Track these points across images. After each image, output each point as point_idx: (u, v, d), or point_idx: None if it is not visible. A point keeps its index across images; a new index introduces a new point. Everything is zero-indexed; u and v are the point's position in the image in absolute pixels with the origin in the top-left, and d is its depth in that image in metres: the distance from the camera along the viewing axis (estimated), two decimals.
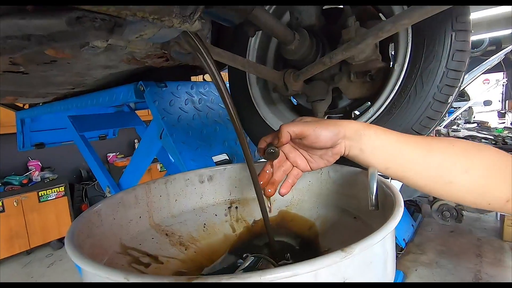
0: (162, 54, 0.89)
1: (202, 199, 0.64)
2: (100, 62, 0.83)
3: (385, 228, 0.29)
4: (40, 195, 3.06)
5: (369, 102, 0.70)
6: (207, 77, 1.13)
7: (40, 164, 3.36)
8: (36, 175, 3.20)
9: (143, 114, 2.00)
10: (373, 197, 0.44)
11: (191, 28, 0.37)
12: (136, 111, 1.91)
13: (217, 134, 0.91)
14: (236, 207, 0.65)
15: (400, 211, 0.34)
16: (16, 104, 1.93)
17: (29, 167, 3.29)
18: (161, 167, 3.96)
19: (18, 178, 3.07)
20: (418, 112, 0.52)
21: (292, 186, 0.54)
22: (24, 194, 2.96)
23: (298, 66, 0.62)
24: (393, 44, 0.61)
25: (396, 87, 0.55)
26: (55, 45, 0.36)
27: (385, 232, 0.29)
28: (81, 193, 3.46)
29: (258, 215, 0.64)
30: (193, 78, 1.14)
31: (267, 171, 0.52)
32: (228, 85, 0.87)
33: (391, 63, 0.59)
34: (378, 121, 0.57)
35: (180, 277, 0.22)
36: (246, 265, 0.42)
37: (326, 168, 0.61)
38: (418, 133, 0.54)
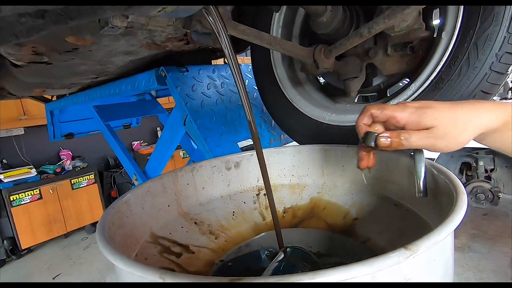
0: (183, 37, 0.86)
1: (230, 187, 0.62)
2: (120, 48, 0.81)
3: (452, 221, 0.25)
4: (72, 182, 3.21)
5: (407, 79, 0.63)
6: (241, 61, 1.09)
7: (71, 153, 3.52)
8: (68, 164, 3.36)
9: (164, 102, 2.01)
10: (421, 182, 0.40)
11: None
12: (157, 99, 1.92)
13: (241, 119, 0.88)
14: (265, 194, 0.63)
15: (464, 200, 0.29)
16: (45, 96, 2.00)
17: (61, 157, 3.46)
18: (183, 154, 4.03)
19: (52, 167, 3.23)
20: (471, 86, 0.46)
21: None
22: (58, 182, 3.12)
23: (328, 42, 0.57)
24: (437, 10, 0.54)
25: (444, 59, 0.48)
26: (73, 25, 0.34)
27: (452, 226, 0.25)
28: (110, 180, 3.61)
29: (288, 202, 0.61)
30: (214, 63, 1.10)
31: (364, 153, 0.44)
32: (251, 66, 0.83)
33: (435, 32, 0.53)
34: (422, 98, 0.52)
35: (223, 278, 0.20)
36: (281, 257, 0.39)
37: None
38: None
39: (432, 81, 0.50)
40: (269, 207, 0.61)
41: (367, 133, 0.39)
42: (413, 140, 0.36)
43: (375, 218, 0.50)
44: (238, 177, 0.63)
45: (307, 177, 0.63)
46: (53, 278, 2.64)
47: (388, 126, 0.39)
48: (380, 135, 0.37)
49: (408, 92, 0.54)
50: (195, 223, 0.53)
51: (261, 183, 0.64)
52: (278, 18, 0.70)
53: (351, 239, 0.48)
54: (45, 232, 3.09)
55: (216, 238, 0.51)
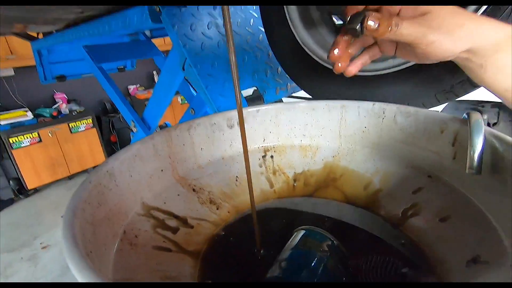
0: None
1: (232, 147, 0.54)
2: None
3: None
4: (71, 126, 3.15)
5: None
6: None
7: (65, 96, 3.38)
8: (64, 108, 3.25)
9: (159, 44, 1.83)
10: (477, 156, 0.32)
11: None
12: (152, 40, 1.76)
13: (245, 65, 0.76)
14: (272, 156, 0.55)
15: None
16: (29, 33, 1.83)
17: (56, 100, 3.33)
18: (182, 100, 3.88)
19: (48, 111, 3.14)
20: None
21: (363, 66, 0.41)
22: (56, 126, 3.06)
23: None
24: None
25: None
26: None
27: None
28: (109, 125, 3.54)
29: (299, 167, 0.54)
30: None
31: (345, 38, 0.37)
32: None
33: None
34: None
35: None
36: (296, 242, 0.33)
37: (391, 110, 0.47)
38: None
39: None
40: (276, 171, 0.54)
41: (354, 15, 0.34)
42: (404, 26, 0.31)
43: (404, 191, 0.43)
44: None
45: (320, 137, 0.55)
46: (61, 217, 2.76)
47: (382, 11, 0.34)
48: (369, 15, 0.32)
49: None
50: (194, 190, 0.47)
51: (267, 143, 0.56)
52: None
53: (378, 217, 0.42)
54: (49, 174, 3.14)
55: (217, 209, 0.45)
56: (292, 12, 0.62)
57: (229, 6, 0.81)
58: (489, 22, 0.31)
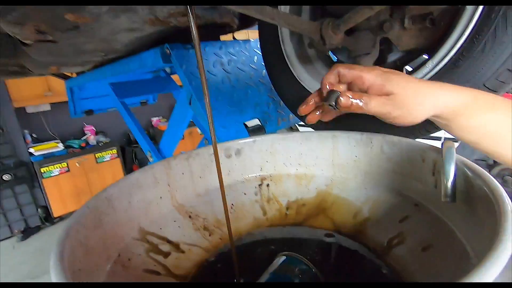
0: (186, 12, 0.79)
1: (230, 175, 0.57)
2: (123, 25, 0.77)
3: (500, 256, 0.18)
4: (97, 157, 3.34)
5: (425, 55, 0.55)
6: (238, 35, 1.01)
7: (94, 128, 3.62)
8: (92, 139, 3.47)
9: (178, 79, 1.97)
10: (450, 184, 0.33)
11: None
12: (172, 75, 1.89)
13: (248, 98, 0.82)
14: (268, 185, 0.58)
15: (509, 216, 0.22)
16: (65, 73, 2.03)
17: (85, 132, 3.58)
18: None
19: (77, 142, 3.37)
20: (495, 64, 0.40)
21: (335, 116, 0.45)
22: (83, 156, 3.26)
23: (339, 15, 0.48)
24: None
25: (467, 32, 0.42)
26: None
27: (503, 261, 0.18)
28: (132, 155, 3.71)
29: (293, 195, 0.56)
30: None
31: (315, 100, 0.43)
32: (259, 42, 0.75)
33: None
34: (439, 77, 0.45)
35: None
36: (275, 268, 0.34)
37: (378, 140, 0.49)
38: (493, 91, 0.42)
39: (451, 58, 0.43)
40: (271, 200, 0.56)
41: (330, 91, 0.39)
42: (373, 104, 0.36)
43: (391, 220, 0.43)
44: (239, 165, 0.58)
45: (315, 167, 0.57)
46: None
47: (353, 88, 0.39)
48: (342, 94, 0.37)
49: (424, 70, 0.47)
50: (190, 216, 0.49)
51: (264, 172, 0.59)
52: None
53: (361, 246, 0.42)
54: (74, 202, 3.28)
55: (210, 235, 0.47)
56: (289, 50, 0.67)
57: (233, 46, 0.88)
58: (449, 91, 0.35)
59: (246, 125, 0.78)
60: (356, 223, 0.46)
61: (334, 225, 0.48)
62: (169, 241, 0.43)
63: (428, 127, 0.52)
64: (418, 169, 0.42)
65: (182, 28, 0.89)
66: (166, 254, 0.41)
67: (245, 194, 0.56)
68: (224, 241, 0.47)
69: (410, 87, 0.35)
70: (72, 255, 0.27)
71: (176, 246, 0.43)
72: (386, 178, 0.48)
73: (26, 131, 3.17)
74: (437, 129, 0.52)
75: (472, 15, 0.41)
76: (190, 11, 0.33)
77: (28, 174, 3.05)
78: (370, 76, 0.37)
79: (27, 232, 3.05)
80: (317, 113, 0.44)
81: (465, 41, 0.42)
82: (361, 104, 0.36)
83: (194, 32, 0.34)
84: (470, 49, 0.42)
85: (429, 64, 0.47)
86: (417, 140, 0.45)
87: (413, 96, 0.35)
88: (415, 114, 0.35)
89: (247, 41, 0.92)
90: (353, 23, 0.46)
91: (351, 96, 0.36)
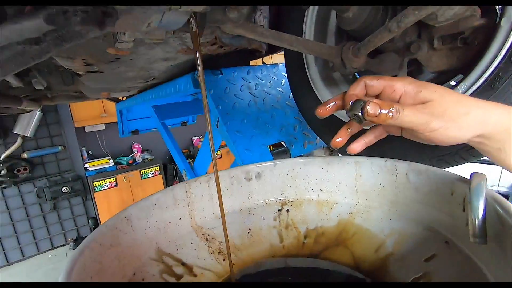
0: (215, 41, 0.84)
1: (250, 199, 0.57)
2: (158, 55, 0.85)
3: None
4: (141, 173, 3.58)
5: (461, 75, 0.50)
6: (266, 60, 1.04)
7: (140, 147, 3.91)
8: (138, 156, 3.75)
9: None
10: (478, 223, 0.29)
11: (196, 8, 0.30)
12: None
13: (274, 121, 0.82)
14: (288, 210, 0.56)
15: None
16: (117, 97, 2.26)
17: (133, 149, 3.87)
18: None
19: (125, 159, 3.66)
20: None
21: (367, 146, 0.41)
22: (130, 172, 3.52)
23: (361, 38, 0.47)
24: None
25: (504, 52, 0.38)
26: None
27: None
28: (173, 172, 3.91)
29: (313, 223, 0.54)
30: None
31: (349, 130, 0.39)
32: (284, 66, 0.76)
33: (496, 17, 0.40)
34: None
35: None
36: None
37: (403, 167, 0.46)
38: None
39: (486, 79, 0.40)
40: (289, 226, 0.54)
41: (355, 101, 0.34)
42: (405, 113, 0.31)
43: (417, 258, 0.39)
44: (259, 189, 0.58)
45: (337, 193, 0.55)
46: None
47: (383, 98, 0.35)
48: (369, 102, 0.31)
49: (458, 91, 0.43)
50: (206, 239, 0.50)
51: (285, 196, 0.58)
52: (310, 14, 0.62)
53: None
54: None
55: (224, 260, 0.47)
56: (314, 73, 0.67)
57: (261, 70, 0.91)
58: (496, 107, 0.30)
59: (270, 148, 0.78)
60: (377, 258, 0.42)
61: (353, 258, 0.44)
62: (183, 264, 0.44)
63: (463, 153, 0.48)
64: (447, 202, 0.38)
65: (213, 55, 0.95)
66: (178, 277, 0.42)
67: (263, 218, 0.55)
68: (237, 266, 0.47)
69: (450, 95, 0.30)
70: (84, 272, 0.29)
71: (189, 269, 0.44)
72: (413, 210, 0.44)
73: (83, 148, 3.52)
74: (476, 156, 0.47)
75: (508, 33, 0.38)
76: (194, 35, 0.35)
77: (83, 188, 3.36)
78: (402, 83, 0.32)
79: (79, 241, 3.32)
80: (344, 137, 0.39)
81: (501, 61, 0.39)
82: (392, 113, 0.30)
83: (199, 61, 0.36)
84: (507, 69, 0.38)
85: (462, 86, 0.44)
86: (446, 169, 0.41)
87: (455, 104, 0.30)
88: (460, 126, 0.30)
89: (275, 65, 0.94)
90: (373, 47, 0.45)
91: (378, 104, 0.31)
